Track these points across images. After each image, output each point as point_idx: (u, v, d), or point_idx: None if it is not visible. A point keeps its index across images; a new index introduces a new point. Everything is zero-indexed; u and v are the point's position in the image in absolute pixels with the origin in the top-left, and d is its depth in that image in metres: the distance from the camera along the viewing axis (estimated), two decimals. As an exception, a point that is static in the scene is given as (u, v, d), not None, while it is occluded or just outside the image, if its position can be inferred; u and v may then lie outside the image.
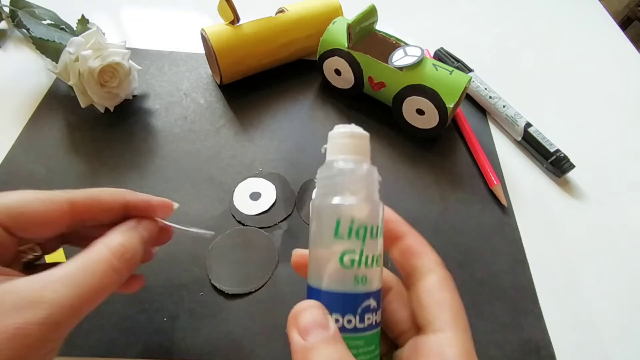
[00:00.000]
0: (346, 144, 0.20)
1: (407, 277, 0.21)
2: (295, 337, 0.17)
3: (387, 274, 0.22)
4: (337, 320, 0.18)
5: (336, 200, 0.19)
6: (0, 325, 0.15)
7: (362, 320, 0.18)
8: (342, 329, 0.18)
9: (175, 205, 0.25)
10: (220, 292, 0.30)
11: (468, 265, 0.34)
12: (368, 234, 0.18)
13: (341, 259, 0.18)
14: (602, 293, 0.34)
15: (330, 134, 0.20)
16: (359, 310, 0.18)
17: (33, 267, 0.22)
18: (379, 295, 0.19)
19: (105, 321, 0.28)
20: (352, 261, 0.18)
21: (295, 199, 0.36)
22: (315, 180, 0.20)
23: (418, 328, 0.19)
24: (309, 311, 0.18)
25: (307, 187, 0.37)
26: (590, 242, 0.37)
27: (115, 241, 0.20)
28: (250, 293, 0.31)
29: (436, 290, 0.19)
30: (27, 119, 0.39)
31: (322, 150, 0.21)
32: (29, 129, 0.39)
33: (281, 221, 0.35)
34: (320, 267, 0.19)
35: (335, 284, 0.18)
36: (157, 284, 0.30)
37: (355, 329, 0.18)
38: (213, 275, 0.31)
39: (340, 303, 0.18)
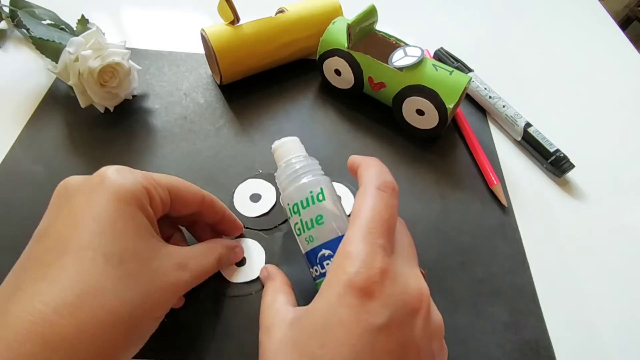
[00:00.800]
0: (275, 155, 0.30)
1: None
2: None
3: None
4: (315, 272, 0.25)
5: (282, 194, 0.28)
6: (165, 279, 0.22)
7: (322, 267, 0.25)
8: (316, 277, 0.25)
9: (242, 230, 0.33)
10: (221, 295, 0.30)
11: (468, 265, 0.34)
12: (300, 207, 0.26)
13: (294, 230, 0.27)
14: (602, 293, 0.34)
15: (272, 149, 0.30)
16: (317, 260, 0.25)
17: None
18: (333, 243, 0.25)
19: (105, 321, 0.28)
20: (299, 229, 0.26)
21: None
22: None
23: None
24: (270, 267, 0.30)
25: None
26: (590, 241, 0.37)
27: (223, 245, 0.29)
28: (250, 294, 0.31)
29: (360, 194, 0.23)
30: (27, 119, 0.39)
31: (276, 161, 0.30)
32: (28, 129, 0.39)
33: (281, 224, 0.34)
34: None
35: (303, 248, 0.27)
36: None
37: (319, 275, 0.25)
38: (213, 276, 0.31)
39: (308, 260, 0.26)
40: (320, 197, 0.26)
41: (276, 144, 0.29)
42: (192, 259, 0.24)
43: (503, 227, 0.37)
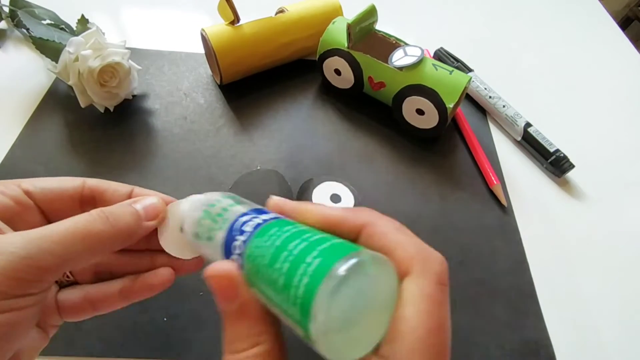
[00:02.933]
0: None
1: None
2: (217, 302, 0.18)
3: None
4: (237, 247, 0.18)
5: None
6: None
7: (242, 233, 0.18)
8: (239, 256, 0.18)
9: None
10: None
11: (468, 265, 0.34)
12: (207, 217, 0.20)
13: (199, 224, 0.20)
14: (602, 293, 0.34)
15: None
16: (237, 231, 0.18)
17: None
18: (252, 213, 0.19)
19: (105, 321, 0.28)
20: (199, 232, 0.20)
21: (293, 198, 0.36)
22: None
23: None
24: (217, 279, 0.17)
25: (307, 187, 0.37)
26: (590, 241, 0.37)
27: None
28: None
29: (390, 232, 0.17)
30: (27, 119, 0.39)
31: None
32: (28, 128, 0.39)
33: None
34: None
35: (215, 243, 0.19)
36: (157, 284, 0.30)
37: (243, 243, 0.18)
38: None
39: (226, 246, 0.18)
40: (220, 210, 0.20)
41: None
42: (18, 236, 0.17)
43: (503, 227, 0.37)
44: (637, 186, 0.42)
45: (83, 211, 0.20)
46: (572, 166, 0.40)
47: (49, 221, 0.21)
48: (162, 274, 0.23)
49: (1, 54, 0.45)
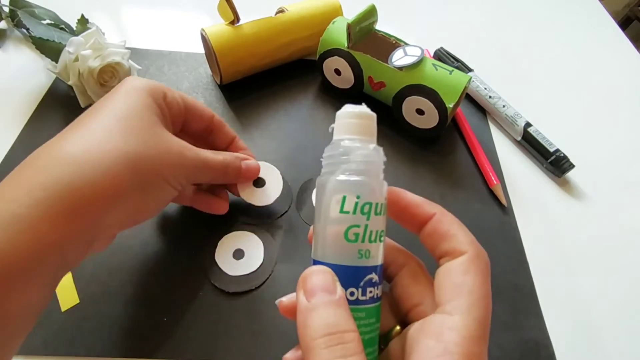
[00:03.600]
0: (353, 123, 0.21)
1: (439, 261, 0.21)
2: (300, 298, 0.18)
3: (401, 250, 0.23)
4: (350, 294, 0.19)
5: (343, 177, 0.20)
6: (167, 144, 0.25)
7: (364, 293, 0.19)
8: (351, 301, 0.19)
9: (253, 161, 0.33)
10: (220, 292, 0.30)
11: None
12: (373, 211, 0.19)
13: (346, 233, 0.19)
14: (602, 293, 0.34)
15: (338, 113, 0.21)
16: (362, 283, 0.19)
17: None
18: (381, 270, 0.20)
19: (105, 321, 0.28)
20: (357, 235, 0.19)
21: (293, 197, 0.36)
22: (321, 159, 0.21)
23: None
24: (317, 275, 0.18)
25: (307, 186, 0.37)
26: (590, 241, 0.37)
27: (232, 154, 0.31)
28: (250, 291, 0.31)
29: (458, 272, 0.19)
30: (27, 119, 0.39)
31: (330, 130, 0.22)
32: (28, 128, 0.39)
33: (279, 217, 0.35)
34: (326, 241, 0.20)
35: (339, 257, 0.19)
36: (157, 284, 0.30)
37: (357, 301, 0.19)
38: (213, 276, 0.31)
39: (344, 276, 0.19)
40: (385, 210, 0.21)
41: (364, 110, 0.22)
42: (195, 147, 0.27)
43: (503, 226, 0.37)
44: (637, 186, 0.42)
45: (206, 136, 0.32)
46: (572, 166, 0.40)
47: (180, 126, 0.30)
48: (221, 205, 0.33)
49: (1, 54, 0.45)
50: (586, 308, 0.33)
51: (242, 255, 0.32)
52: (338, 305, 0.17)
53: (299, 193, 0.37)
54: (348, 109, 0.21)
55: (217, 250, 0.32)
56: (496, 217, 0.37)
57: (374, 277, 0.19)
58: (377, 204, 0.19)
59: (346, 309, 0.18)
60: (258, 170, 0.32)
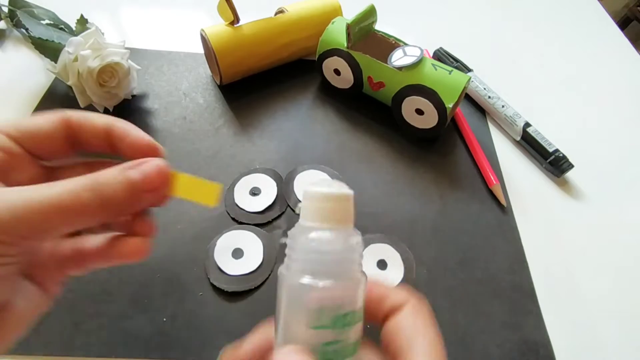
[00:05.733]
0: (325, 208, 0.17)
1: (383, 323, 0.19)
2: None
3: None
4: None
5: (317, 283, 0.16)
6: None
7: None
8: None
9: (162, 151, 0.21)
10: (220, 292, 0.30)
11: (467, 265, 0.34)
12: (352, 320, 0.16)
13: (324, 351, 0.15)
14: (602, 292, 0.34)
15: (306, 191, 0.17)
16: None
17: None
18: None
19: (105, 321, 0.28)
20: (337, 352, 0.16)
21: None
22: (285, 245, 0.17)
23: None
24: None
25: (290, 177, 0.37)
26: (589, 241, 0.37)
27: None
28: (250, 291, 0.31)
29: (408, 322, 0.18)
30: (26, 119, 0.39)
31: (296, 210, 0.19)
32: (28, 129, 0.38)
33: (275, 218, 0.35)
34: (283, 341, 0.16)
35: None
36: (156, 284, 0.30)
37: None
38: (212, 275, 0.31)
39: None
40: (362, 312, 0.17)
41: (338, 191, 0.17)
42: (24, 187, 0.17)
43: (502, 226, 0.37)
44: (636, 186, 0.42)
45: (73, 151, 0.20)
46: (571, 166, 0.40)
47: (43, 167, 0.20)
48: (135, 244, 0.19)
49: (0, 54, 0.45)
50: (585, 308, 0.33)
51: (241, 254, 0.32)
52: None
53: (284, 184, 0.37)
54: (319, 188, 0.17)
55: (216, 249, 0.32)
56: (495, 217, 0.37)
57: None
58: (356, 310, 0.16)
59: None
60: (163, 173, 0.19)
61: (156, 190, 0.19)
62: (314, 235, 0.16)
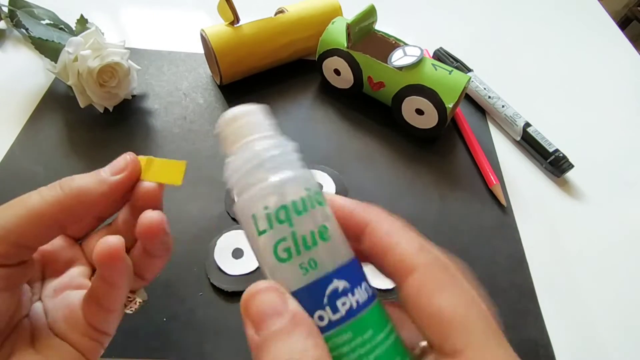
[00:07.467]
0: (229, 132, 0.18)
1: (394, 281, 0.16)
2: (249, 333, 0.15)
3: None
4: (321, 319, 0.15)
5: (244, 195, 0.16)
6: None
7: (335, 310, 0.15)
8: (325, 327, 0.15)
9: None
10: (220, 292, 0.30)
11: (467, 265, 0.34)
12: (292, 213, 0.16)
13: (275, 254, 0.15)
14: (602, 292, 0.34)
15: (215, 130, 0.18)
16: (325, 300, 0.15)
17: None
18: (349, 269, 0.16)
19: (104, 321, 0.28)
20: (288, 250, 0.15)
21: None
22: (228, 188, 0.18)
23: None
24: (260, 296, 0.15)
25: None
26: (589, 241, 0.37)
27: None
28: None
29: (394, 232, 0.16)
30: (26, 119, 0.39)
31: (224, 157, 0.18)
32: (27, 129, 0.38)
33: None
34: (264, 272, 0.16)
35: (292, 282, 0.15)
36: (156, 284, 0.30)
37: (331, 324, 0.15)
38: (212, 275, 0.31)
39: (304, 299, 0.15)
40: (320, 198, 0.17)
41: (228, 116, 0.18)
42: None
43: (502, 226, 0.37)
44: (636, 186, 0.42)
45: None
46: (571, 166, 0.40)
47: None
48: (148, 216, 0.20)
49: (0, 54, 0.45)
50: (585, 308, 0.33)
51: (241, 254, 0.32)
52: (293, 327, 0.14)
53: None
54: (220, 120, 0.18)
55: (216, 249, 0.32)
56: (495, 217, 0.37)
57: (339, 284, 0.15)
58: (294, 202, 0.16)
59: (302, 326, 0.14)
60: (128, 159, 0.21)
61: (121, 172, 0.20)
62: (230, 160, 0.17)
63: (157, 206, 0.21)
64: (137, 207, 0.21)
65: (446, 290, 0.15)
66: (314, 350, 0.13)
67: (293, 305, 0.14)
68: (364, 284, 0.16)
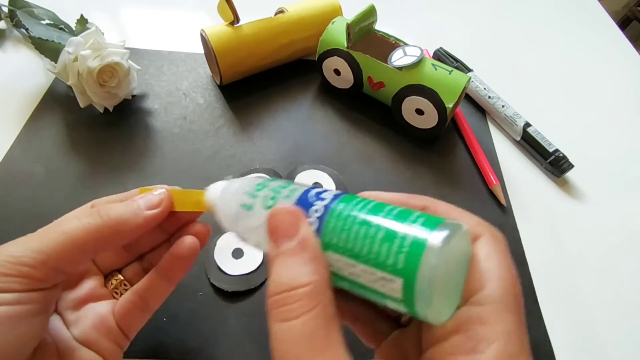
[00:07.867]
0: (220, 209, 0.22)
1: None
2: (268, 245, 0.17)
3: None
4: (315, 211, 0.17)
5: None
6: None
7: (321, 199, 0.18)
8: (320, 219, 0.17)
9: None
10: (220, 292, 0.30)
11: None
12: (261, 187, 0.20)
13: (266, 207, 0.19)
14: (602, 292, 0.34)
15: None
16: (313, 198, 0.18)
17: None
18: (314, 189, 0.19)
19: (104, 321, 0.28)
20: (273, 198, 0.19)
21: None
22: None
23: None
24: (280, 216, 0.17)
25: (290, 177, 0.37)
26: (590, 241, 0.37)
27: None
28: (250, 291, 0.31)
29: (452, 209, 0.18)
30: (26, 119, 0.39)
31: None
32: (27, 129, 0.38)
33: None
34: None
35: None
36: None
37: (326, 208, 0.17)
38: (212, 275, 0.31)
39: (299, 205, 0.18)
40: (266, 183, 0.20)
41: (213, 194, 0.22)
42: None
43: (502, 227, 0.37)
44: (636, 186, 0.42)
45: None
46: (571, 166, 0.40)
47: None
48: (186, 242, 0.23)
49: (0, 54, 0.45)
50: (586, 308, 0.33)
51: (241, 254, 0.32)
52: (299, 253, 0.16)
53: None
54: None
55: (216, 249, 0.32)
56: (496, 217, 0.37)
57: (314, 190, 0.18)
58: (257, 184, 0.20)
59: (309, 254, 0.16)
60: (161, 196, 0.23)
61: (156, 207, 0.22)
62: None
63: (204, 240, 0.24)
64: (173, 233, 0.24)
65: (498, 258, 0.17)
66: (312, 276, 0.15)
67: (304, 231, 0.16)
68: (325, 196, 0.18)
